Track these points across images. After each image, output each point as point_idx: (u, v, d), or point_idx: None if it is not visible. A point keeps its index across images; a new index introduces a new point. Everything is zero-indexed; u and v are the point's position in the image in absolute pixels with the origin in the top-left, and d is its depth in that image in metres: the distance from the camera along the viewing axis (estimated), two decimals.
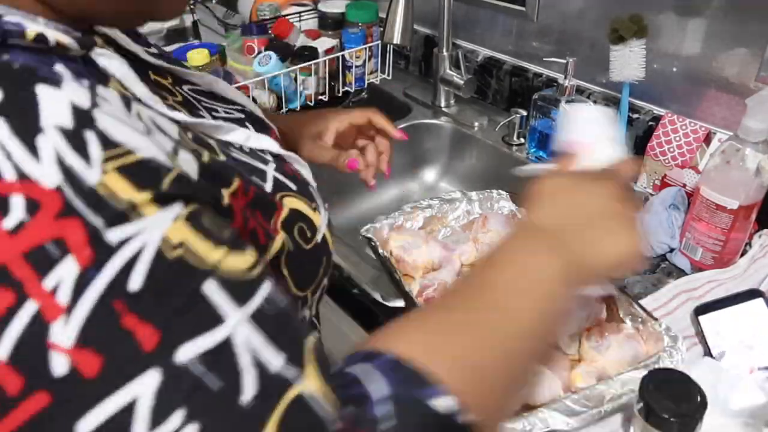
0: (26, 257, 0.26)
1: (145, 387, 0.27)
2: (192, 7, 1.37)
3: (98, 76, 0.33)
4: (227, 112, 0.50)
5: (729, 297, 0.74)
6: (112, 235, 0.27)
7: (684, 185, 0.94)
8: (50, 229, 0.26)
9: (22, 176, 0.26)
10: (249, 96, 1.13)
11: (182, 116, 0.39)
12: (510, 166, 1.18)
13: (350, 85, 1.32)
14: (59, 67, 0.30)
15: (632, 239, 0.46)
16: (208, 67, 1.14)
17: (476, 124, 1.26)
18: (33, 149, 0.27)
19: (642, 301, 0.75)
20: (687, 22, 0.97)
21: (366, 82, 1.35)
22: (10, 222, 0.26)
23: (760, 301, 0.72)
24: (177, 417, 0.27)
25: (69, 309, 0.26)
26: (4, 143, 0.26)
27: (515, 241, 0.46)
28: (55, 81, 0.29)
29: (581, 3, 1.10)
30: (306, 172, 0.50)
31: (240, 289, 0.30)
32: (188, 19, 1.38)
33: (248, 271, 0.32)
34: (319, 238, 0.46)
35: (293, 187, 0.46)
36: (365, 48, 1.30)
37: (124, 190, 0.28)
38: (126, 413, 0.26)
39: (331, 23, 1.34)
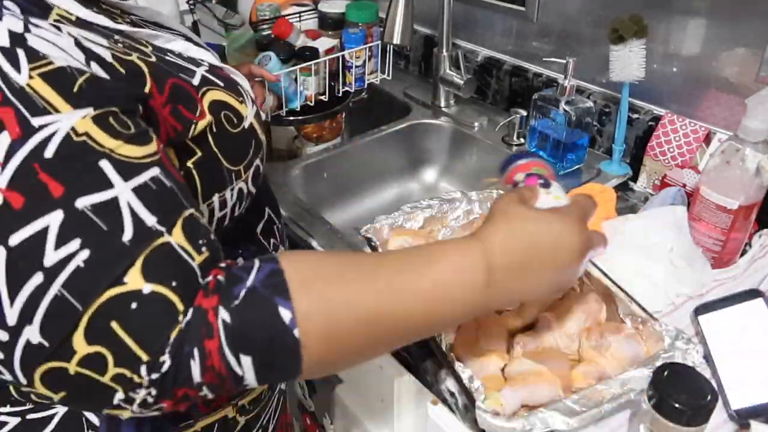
0: None
1: (53, 220, 0.39)
2: (192, 7, 1.37)
3: (41, 8, 0.44)
4: (170, 33, 0.60)
5: (729, 297, 0.74)
6: (35, 121, 0.39)
7: (684, 185, 0.94)
8: None
9: None
10: None
11: (125, 27, 0.50)
12: None
13: (350, 85, 1.32)
14: (7, 3, 0.42)
15: (558, 289, 0.53)
16: None
17: (476, 124, 1.26)
18: None
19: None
20: (687, 22, 0.97)
21: (366, 82, 1.35)
22: None
23: (760, 301, 0.72)
24: (75, 243, 0.39)
25: (3, 164, 0.38)
26: None
27: (462, 252, 0.51)
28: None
29: (581, 3, 1.10)
30: (240, 79, 0.60)
31: (129, 168, 0.42)
32: (188, 19, 1.38)
33: (140, 159, 0.43)
34: (246, 124, 0.57)
35: (221, 83, 0.56)
36: (365, 48, 1.30)
37: (43, 89, 0.40)
38: (41, 234, 0.39)
39: (331, 23, 1.34)
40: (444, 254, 0.50)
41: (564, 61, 1.04)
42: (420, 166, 1.34)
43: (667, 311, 0.78)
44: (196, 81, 0.54)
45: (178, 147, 0.51)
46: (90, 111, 0.42)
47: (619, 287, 0.75)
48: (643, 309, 0.72)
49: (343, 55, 1.28)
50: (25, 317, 0.39)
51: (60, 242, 0.39)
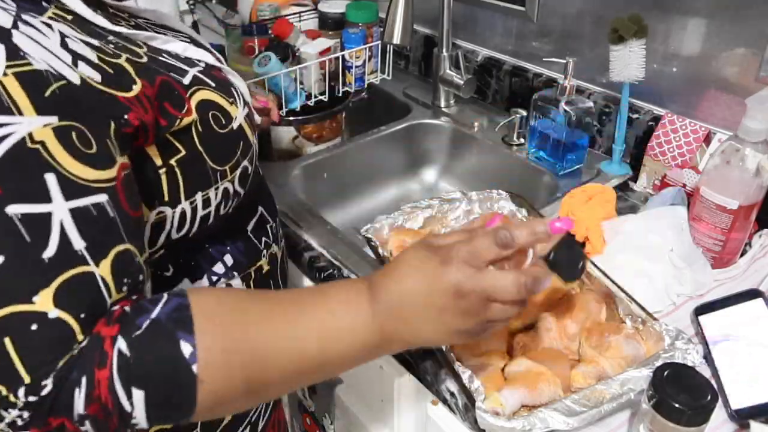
0: None
1: None
2: (192, 7, 1.37)
3: (38, 3, 0.44)
4: (173, 35, 0.62)
5: (729, 297, 0.74)
6: None
7: (684, 185, 0.94)
8: None
9: None
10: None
11: (123, 29, 0.51)
12: (510, 166, 1.18)
13: (350, 86, 1.32)
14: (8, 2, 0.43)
15: (449, 332, 0.51)
16: None
17: (476, 124, 1.26)
18: None
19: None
20: (687, 22, 0.97)
21: (366, 82, 1.35)
22: None
23: (760, 301, 0.72)
24: None
25: None
26: None
27: (348, 293, 0.52)
28: None
29: (581, 3, 1.10)
30: (237, 81, 0.62)
31: (74, 189, 0.41)
32: (188, 19, 1.38)
33: (90, 182, 0.42)
34: (234, 125, 0.57)
35: (212, 84, 0.56)
36: (365, 48, 1.30)
37: (14, 89, 0.40)
38: None
39: (331, 23, 1.34)
40: (332, 297, 0.51)
41: (564, 61, 1.04)
42: (420, 166, 1.34)
43: (667, 311, 0.78)
44: (186, 80, 0.54)
45: (161, 144, 0.51)
46: (53, 120, 0.41)
47: (619, 287, 0.75)
48: (643, 309, 0.72)
49: (342, 55, 1.28)
50: None
51: None
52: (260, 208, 0.69)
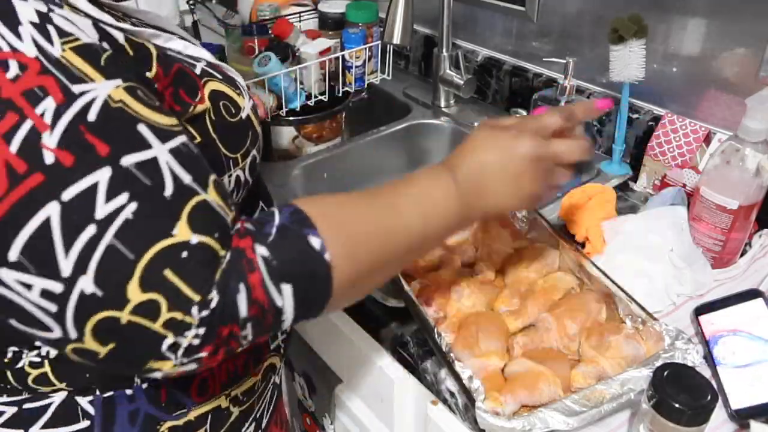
0: (23, 95, 0.41)
1: (102, 176, 0.42)
2: (192, 7, 1.37)
3: (55, 4, 0.47)
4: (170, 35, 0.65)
5: (729, 297, 0.74)
6: (75, 88, 0.42)
7: (684, 185, 0.94)
8: (36, 80, 0.41)
9: (13, 49, 0.41)
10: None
11: (127, 26, 0.52)
12: None
13: (350, 86, 1.32)
14: None
15: (524, 197, 0.61)
16: None
17: (476, 124, 1.26)
18: (17, 33, 0.42)
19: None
20: (687, 22, 0.97)
21: (366, 82, 1.35)
22: (10, 74, 0.41)
23: (760, 301, 0.72)
24: (123, 197, 0.42)
25: (52, 126, 0.41)
26: None
27: (431, 173, 0.61)
28: None
29: (581, 3, 1.10)
30: (237, 77, 0.65)
31: (163, 133, 0.46)
32: (188, 19, 1.38)
33: (170, 126, 0.47)
34: (243, 115, 0.61)
35: (219, 77, 0.60)
36: (365, 48, 1.30)
37: (77, 61, 0.43)
38: (91, 189, 0.42)
39: (331, 23, 1.33)
40: (420, 178, 0.60)
41: (564, 61, 1.04)
42: (420, 166, 1.34)
43: (667, 311, 0.78)
44: (198, 71, 0.58)
45: None
46: (119, 82, 0.45)
47: (619, 287, 0.75)
48: (643, 309, 0.72)
49: (342, 55, 1.28)
50: (80, 268, 0.41)
51: (110, 196, 0.42)
52: (261, 204, 0.70)
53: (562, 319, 0.72)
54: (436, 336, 0.69)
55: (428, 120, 1.31)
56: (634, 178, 1.05)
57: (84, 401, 0.57)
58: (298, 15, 1.33)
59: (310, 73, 1.22)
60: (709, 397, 0.57)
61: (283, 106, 1.20)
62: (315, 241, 0.48)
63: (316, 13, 1.36)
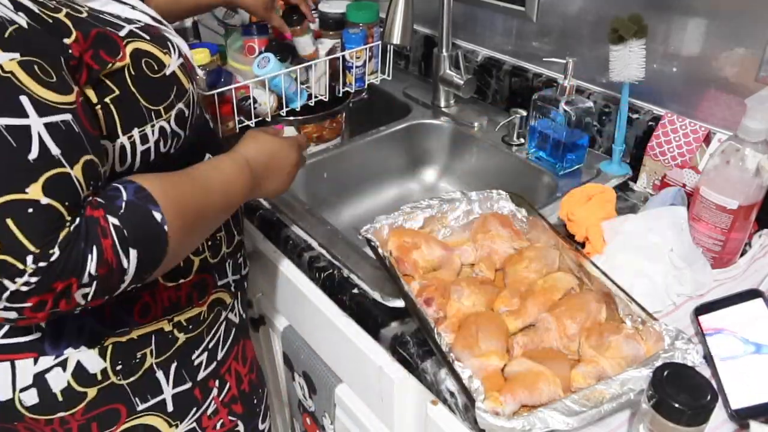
0: None
1: None
2: None
3: None
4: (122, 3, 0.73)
5: (729, 297, 0.74)
6: None
7: (684, 185, 0.94)
8: None
9: None
10: (250, 96, 1.13)
11: None
12: (510, 166, 1.19)
13: (350, 86, 1.32)
14: None
15: (289, 183, 0.83)
16: (208, 66, 1.15)
17: (476, 124, 1.26)
18: None
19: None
20: (687, 22, 0.97)
21: (366, 82, 1.35)
22: None
23: (760, 301, 0.72)
24: None
25: None
26: None
27: (234, 164, 0.73)
28: None
29: (581, 3, 1.10)
30: (175, 38, 0.73)
31: (45, 108, 0.52)
32: (188, 19, 1.38)
33: (57, 103, 0.53)
34: (168, 72, 0.68)
35: (147, 37, 0.67)
36: (365, 48, 1.30)
37: None
38: None
39: (331, 23, 1.33)
40: (223, 163, 0.73)
41: (564, 61, 1.04)
42: (420, 166, 1.34)
43: (667, 311, 0.78)
44: (122, 33, 0.64)
45: (95, 85, 0.61)
46: (16, 55, 0.51)
47: (618, 287, 0.75)
48: (643, 309, 0.72)
49: (343, 55, 1.28)
50: None
51: None
52: (207, 155, 0.79)
53: (562, 319, 0.72)
54: (436, 336, 0.69)
55: (428, 120, 1.31)
56: (634, 178, 1.05)
57: None
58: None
59: (311, 74, 1.22)
60: (708, 397, 0.57)
61: (283, 106, 1.20)
62: (157, 216, 0.58)
63: (316, 13, 1.36)
